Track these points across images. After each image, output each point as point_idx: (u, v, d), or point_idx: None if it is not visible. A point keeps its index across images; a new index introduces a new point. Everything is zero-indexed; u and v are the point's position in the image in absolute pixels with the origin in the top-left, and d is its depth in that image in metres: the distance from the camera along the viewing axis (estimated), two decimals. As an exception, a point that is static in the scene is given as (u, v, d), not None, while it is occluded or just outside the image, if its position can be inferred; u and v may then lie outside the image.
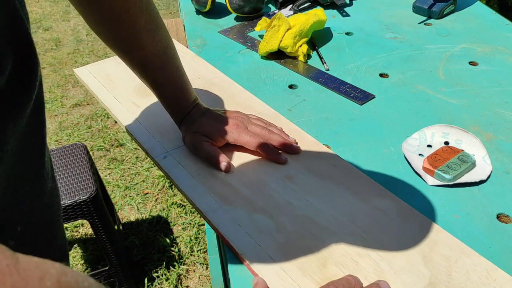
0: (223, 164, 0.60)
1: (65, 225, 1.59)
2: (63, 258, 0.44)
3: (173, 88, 0.63)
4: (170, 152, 0.64)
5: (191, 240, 1.56)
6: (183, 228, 1.61)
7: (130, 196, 1.73)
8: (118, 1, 0.55)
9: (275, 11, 1.06)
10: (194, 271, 1.48)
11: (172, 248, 1.53)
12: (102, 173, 1.84)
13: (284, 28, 0.85)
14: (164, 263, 1.48)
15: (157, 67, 0.61)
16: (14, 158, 0.31)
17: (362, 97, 0.76)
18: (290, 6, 1.06)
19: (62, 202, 1.11)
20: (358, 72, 0.83)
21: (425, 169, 0.60)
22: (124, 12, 0.56)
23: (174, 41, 0.93)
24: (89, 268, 1.48)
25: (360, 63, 0.85)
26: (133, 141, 1.99)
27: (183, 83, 0.63)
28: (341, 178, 0.58)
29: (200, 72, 0.82)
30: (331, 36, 0.95)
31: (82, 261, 1.50)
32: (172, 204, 1.69)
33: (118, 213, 1.62)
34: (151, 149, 0.65)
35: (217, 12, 1.06)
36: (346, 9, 1.05)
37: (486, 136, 0.66)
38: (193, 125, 0.63)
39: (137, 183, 1.79)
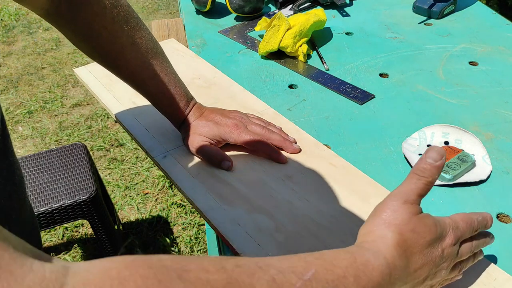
0: (225, 163, 0.60)
1: (65, 225, 1.59)
2: (31, 233, 0.44)
3: (166, 96, 0.62)
4: (170, 152, 0.64)
5: (191, 240, 1.56)
6: (183, 228, 1.61)
7: (130, 196, 1.73)
8: (94, 19, 0.54)
9: (275, 11, 1.06)
10: (194, 271, 1.47)
11: (172, 248, 1.53)
12: (102, 173, 1.84)
13: (284, 28, 0.85)
14: (164, 263, 1.48)
15: (146, 79, 0.60)
16: None
17: (362, 97, 0.76)
18: (290, 6, 1.06)
19: (62, 202, 1.11)
20: (358, 72, 0.83)
21: (425, 169, 0.60)
22: (102, 29, 0.55)
23: (174, 41, 0.93)
24: (89, 268, 1.47)
25: (360, 63, 0.85)
26: (133, 141, 1.99)
27: (176, 89, 0.62)
28: (341, 178, 0.58)
29: (200, 72, 0.82)
30: (331, 36, 0.95)
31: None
32: (172, 204, 1.69)
33: (118, 213, 1.62)
34: (151, 148, 0.65)
35: (217, 12, 1.06)
36: (346, 9, 1.05)
37: (486, 136, 0.66)
38: (192, 127, 0.63)
39: (137, 183, 1.79)
